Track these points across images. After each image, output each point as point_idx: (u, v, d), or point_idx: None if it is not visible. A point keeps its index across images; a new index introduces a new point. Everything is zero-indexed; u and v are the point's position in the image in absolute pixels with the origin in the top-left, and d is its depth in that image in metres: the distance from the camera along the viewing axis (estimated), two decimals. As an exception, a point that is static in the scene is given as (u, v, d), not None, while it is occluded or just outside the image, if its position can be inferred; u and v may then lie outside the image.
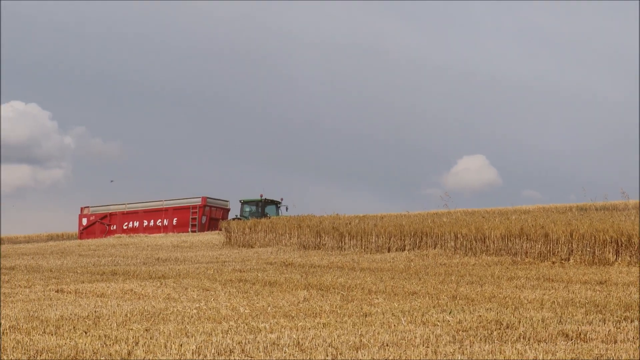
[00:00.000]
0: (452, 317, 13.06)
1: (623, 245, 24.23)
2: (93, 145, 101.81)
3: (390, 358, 9.80)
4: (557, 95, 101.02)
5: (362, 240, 33.31)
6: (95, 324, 13.22)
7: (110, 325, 13.09)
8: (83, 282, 20.89)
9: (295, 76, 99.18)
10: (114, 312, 14.60)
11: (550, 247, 25.32)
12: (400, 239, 31.94)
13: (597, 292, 15.86)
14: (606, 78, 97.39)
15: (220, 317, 13.66)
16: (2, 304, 16.35)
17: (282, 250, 34.43)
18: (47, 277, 22.78)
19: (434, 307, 14.36)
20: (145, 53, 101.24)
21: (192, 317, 13.79)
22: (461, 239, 29.60)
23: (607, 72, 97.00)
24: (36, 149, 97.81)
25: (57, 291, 18.80)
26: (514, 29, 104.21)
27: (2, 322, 13.51)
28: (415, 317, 13.16)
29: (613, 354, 9.77)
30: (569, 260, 24.38)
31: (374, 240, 32.84)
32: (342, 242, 34.02)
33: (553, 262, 23.85)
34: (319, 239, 35.28)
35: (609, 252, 24.43)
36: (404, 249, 31.36)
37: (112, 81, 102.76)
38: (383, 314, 13.66)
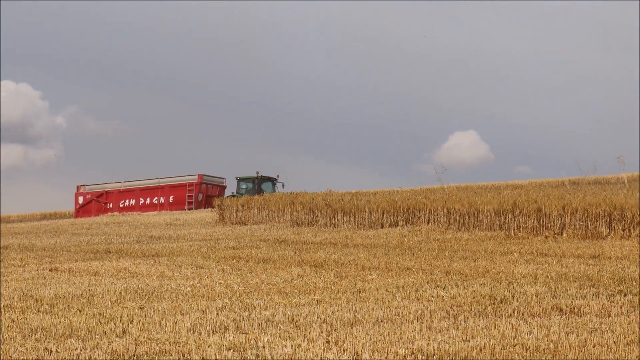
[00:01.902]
0: (446, 292, 13.08)
1: (616, 218, 24.27)
2: (85, 125, 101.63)
3: (385, 333, 9.82)
4: (548, 70, 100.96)
5: (355, 217, 33.33)
6: (90, 302, 13.22)
7: (105, 303, 13.09)
8: (77, 261, 20.88)
9: (290, 59, 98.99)
10: (108, 290, 14.60)
11: (543, 222, 25.36)
12: (394, 215, 31.96)
13: (591, 266, 15.90)
14: (598, 53, 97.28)
15: (214, 295, 13.67)
16: (-4, 284, 16.34)
17: (275, 227, 34.45)
18: (40, 256, 22.76)
19: (427, 282, 14.39)
20: (139, 32, 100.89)
21: (186, 294, 13.80)
22: (454, 215, 29.62)
23: (600, 47, 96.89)
24: (28, 128, 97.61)
25: (51, 270, 18.79)
26: (505, 3, 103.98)
27: (-4, 301, 13.51)
28: (409, 292, 13.18)
29: (607, 327, 9.80)
30: (562, 234, 24.42)
31: (367, 217, 32.85)
32: (335, 219, 34.03)
33: (546, 237, 23.89)
34: (312, 216, 35.30)
35: (602, 226, 24.48)
36: (397, 225, 31.38)
37: (105, 61, 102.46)
38: (377, 289, 13.68)
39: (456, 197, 31.68)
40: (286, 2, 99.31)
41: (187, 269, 18.04)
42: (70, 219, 58.48)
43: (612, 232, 24.10)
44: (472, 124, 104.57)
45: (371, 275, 15.74)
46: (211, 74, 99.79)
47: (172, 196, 59.10)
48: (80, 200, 62.85)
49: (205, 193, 58.45)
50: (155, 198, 59.67)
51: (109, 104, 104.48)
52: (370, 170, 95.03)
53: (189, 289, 14.49)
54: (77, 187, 63.60)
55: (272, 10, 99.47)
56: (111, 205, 61.41)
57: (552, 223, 25.08)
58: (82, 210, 62.22)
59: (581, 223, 24.69)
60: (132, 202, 60.87)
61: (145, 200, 60.06)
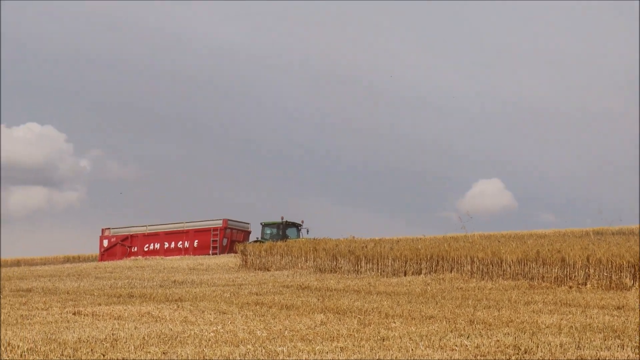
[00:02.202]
0: (469, 341, 13.03)
1: (640, 269, 24.14)
2: (109, 169, 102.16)
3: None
4: (572, 117, 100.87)
5: (378, 264, 33.27)
6: (113, 347, 13.24)
7: (128, 348, 13.11)
8: (100, 305, 20.93)
9: (313, 104, 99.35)
10: (131, 334, 14.62)
11: (567, 272, 25.26)
12: (417, 263, 31.90)
13: (615, 317, 15.81)
14: (622, 98, 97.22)
15: (237, 341, 13.67)
16: (20, 327, 16.39)
17: (298, 273, 34.42)
18: (64, 300, 22.82)
19: (451, 331, 14.34)
20: (160, 77, 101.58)
21: (209, 340, 13.80)
22: (477, 263, 29.54)
23: (624, 92, 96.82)
24: (52, 171, 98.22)
25: (74, 313, 18.83)
26: (527, 51, 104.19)
27: (20, 344, 13.55)
28: (433, 341, 13.14)
29: (632, 380, 9.74)
30: (585, 284, 24.31)
31: (390, 264, 32.79)
32: (358, 266, 33.99)
33: (570, 287, 23.78)
34: (335, 262, 35.25)
35: (626, 277, 24.35)
36: (421, 273, 31.31)
37: (128, 106, 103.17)
38: (400, 338, 13.64)
39: (480, 245, 31.61)
40: (304, 54, 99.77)
41: (210, 314, 18.05)
42: (94, 262, 58.65)
43: (637, 283, 23.96)
44: (497, 172, 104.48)
45: (394, 323, 15.70)
46: (235, 122, 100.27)
47: (196, 240, 59.19)
48: (105, 243, 63.04)
49: (230, 238, 58.52)
50: (180, 242, 59.78)
51: (132, 148, 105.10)
52: (394, 218, 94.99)
53: (212, 334, 14.49)
54: (102, 230, 63.82)
55: (293, 62, 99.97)
56: (136, 249, 61.55)
57: (576, 273, 24.97)
58: (106, 253, 62.39)
59: (605, 274, 24.57)
60: (157, 246, 61.01)
61: (170, 245, 60.17)
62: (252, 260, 39.64)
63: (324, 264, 35.70)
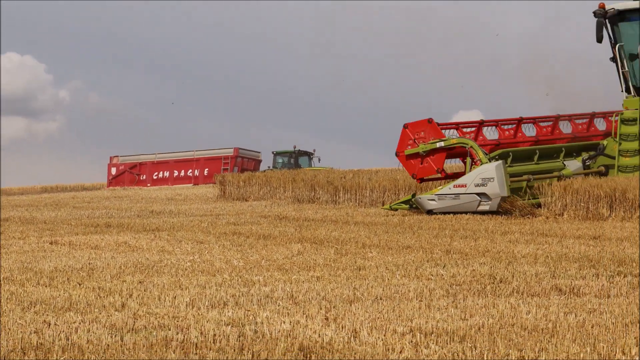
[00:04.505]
0: (445, 271, 13.08)
1: (617, 200, 24.22)
2: (89, 100, 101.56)
3: (384, 311, 9.82)
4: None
5: (356, 194, 33.28)
6: (89, 276, 13.23)
7: (104, 277, 13.10)
8: (77, 234, 20.90)
9: (291, 43, 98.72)
10: (107, 264, 14.62)
11: (543, 202, 25.28)
12: (395, 194, 31.90)
13: (591, 247, 15.90)
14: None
15: (214, 270, 13.68)
16: (-4, 256, 16.35)
17: (276, 203, 34.45)
18: (41, 229, 22.78)
19: (427, 261, 14.39)
20: (149, 6, 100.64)
21: (185, 269, 13.81)
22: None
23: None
24: (31, 101, 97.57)
25: (51, 243, 18.81)
26: None
27: (-4, 273, 13.52)
28: (409, 270, 13.18)
29: (606, 308, 9.80)
30: (562, 215, 24.38)
31: (368, 195, 32.80)
32: (336, 196, 33.98)
33: (547, 217, 23.83)
34: (313, 193, 35.24)
35: (603, 207, 24.43)
36: (398, 203, 31.31)
37: (111, 36, 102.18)
38: (377, 267, 13.68)
39: (457, 176, 31.58)
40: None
41: (187, 244, 18.05)
42: (72, 192, 58.47)
43: (613, 214, 24.05)
44: (477, 103, 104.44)
45: (371, 253, 15.74)
46: (223, 58, 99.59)
47: (207, 169, 58.59)
48: (114, 171, 62.45)
49: (240, 166, 58.08)
50: (190, 170, 59.20)
51: (111, 80, 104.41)
52: (372, 149, 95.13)
53: (188, 264, 14.50)
54: (110, 157, 63.18)
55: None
56: (144, 177, 61.12)
57: (553, 203, 24.99)
58: (114, 181, 61.88)
59: (582, 204, 24.63)
60: (166, 174, 60.53)
61: (179, 173, 59.60)
62: (230, 190, 39.59)
63: (302, 194, 35.69)
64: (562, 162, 26.77)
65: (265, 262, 14.64)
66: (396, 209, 26.27)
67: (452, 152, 25.88)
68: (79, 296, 11.16)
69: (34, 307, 10.47)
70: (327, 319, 9.44)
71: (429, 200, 25.00)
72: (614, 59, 27.06)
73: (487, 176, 24.24)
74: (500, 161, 24.48)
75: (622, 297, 10.71)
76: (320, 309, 10.06)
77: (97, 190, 60.21)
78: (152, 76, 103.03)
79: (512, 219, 22.90)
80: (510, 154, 25.60)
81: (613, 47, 26.95)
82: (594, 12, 26.43)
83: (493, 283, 11.85)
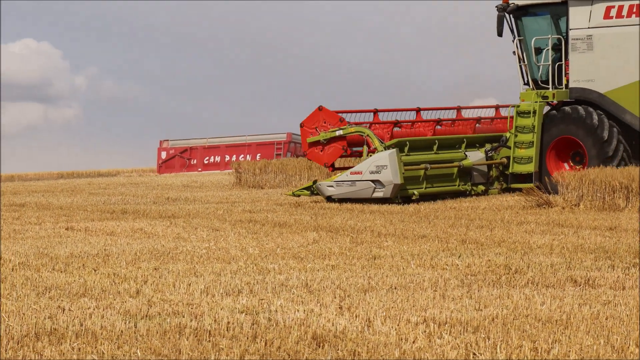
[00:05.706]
0: (461, 261, 13.07)
1: (634, 191, 24.13)
2: (106, 87, 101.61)
3: (399, 300, 9.82)
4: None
5: (372, 183, 33.22)
6: (105, 262, 13.28)
7: (120, 263, 13.14)
8: (93, 220, 20.96)
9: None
10: (123, 250, 14.66)
11: (560, 192, 25.19)
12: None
13: (607, 238, 15.84)
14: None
15: (229, 258, 13.70)
16: (12, 241, 16.42)
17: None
18: (57, 215, 22.86)
19: (443, 250, 14.38)
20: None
21: (201, 256, 13.84)
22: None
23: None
24: (48, 87, 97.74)
25: (67, 229, 18.87)
26: None
27: (12, 258, 13.58)
28: (424, 260, 13.18)
29: (621, 300, 9.77)
30: (578, 205, 24.31)
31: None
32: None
33: (563, 208, 23.76)
34: (329, 181, 35.16)
35: (620, 198, 24.34)
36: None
37: (128, 23, 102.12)
38: (392, 256, 13.68)
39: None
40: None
41: (202, 231, 18.08)
42: (88, 178, 58.53)
43: (630, 205, 23.96)
44: (489, 89, 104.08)
45: (387, 242, 15.73)
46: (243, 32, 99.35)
47: (259, 154, 58.08)
48: (163, 155, 61.97)
49: (293, 152, 57.67)
50: (242, 155, 58.68)
51: (130, 65, 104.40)
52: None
53: (204, 251, 14.53)
54: (160, 142, 62.66)
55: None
56: (195, 162, 60.84)
57: (569, 194, 24.92)
58: (164, 165, 61.49)
59: (598, 195, 24.55)
60: (217, 159, 60.18)
61: (231, 158, 59.08)
62: (246, 178, 39.59)
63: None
64: (464, 153, 27.09)
65: (280, 250, 14.65)
66: (298, 195, 26.70)
67: (352, 140, 26.22)
68: (94, 282, 11.20)
69: (49, 292, 10.52)
70: (341, 307, 9.45)
71: (327, 186, 25.47)
72: (515, 53, 27.92)
73: (381, 164, 24.73)
74: (394, 149, 24.94)
75: (637, 289, 10.68)
76: (335, 297, 10.07)
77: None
78: (169, 62, 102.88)
79: (529, 209, 22.84)
80: (408, 142, 26.12)
81: (513, 41, 27.78)
82: (497, 7, 27.39)
83: (508, 273, 11.83)
